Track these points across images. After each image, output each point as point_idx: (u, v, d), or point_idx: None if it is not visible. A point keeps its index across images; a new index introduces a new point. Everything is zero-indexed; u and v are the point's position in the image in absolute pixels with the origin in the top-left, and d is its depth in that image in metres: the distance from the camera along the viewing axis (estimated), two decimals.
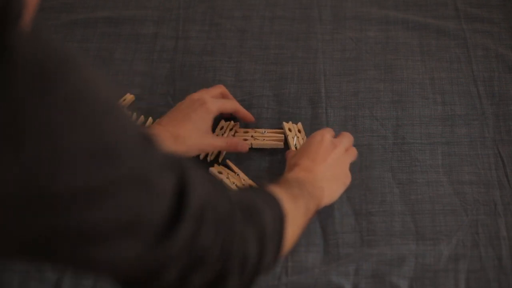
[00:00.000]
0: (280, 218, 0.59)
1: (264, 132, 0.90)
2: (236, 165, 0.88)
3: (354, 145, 0.89)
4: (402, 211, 0.83)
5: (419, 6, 1.06)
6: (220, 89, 0.89)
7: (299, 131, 0.90)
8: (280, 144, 0.89)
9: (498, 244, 0.80)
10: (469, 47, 1.00)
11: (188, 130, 0.80)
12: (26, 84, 0.35)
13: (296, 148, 0.88)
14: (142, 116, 0.92)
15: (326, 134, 0.79)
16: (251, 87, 0.97)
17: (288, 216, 0.60)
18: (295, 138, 0.89)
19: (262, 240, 0.54)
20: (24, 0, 0.36)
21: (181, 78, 0.98)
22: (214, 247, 0.48)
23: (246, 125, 0.92)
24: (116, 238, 0.41)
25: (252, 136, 0.89)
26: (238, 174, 0.85)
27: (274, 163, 0.88)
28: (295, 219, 0.63)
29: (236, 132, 0.90)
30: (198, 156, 0.88)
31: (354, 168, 0.87)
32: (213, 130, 0.90)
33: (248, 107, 0.94)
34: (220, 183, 0.54)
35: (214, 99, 0.86)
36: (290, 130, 0.90)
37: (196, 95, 0.85)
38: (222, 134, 0.90)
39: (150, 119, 0.92)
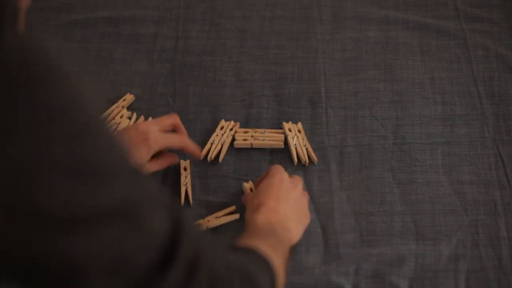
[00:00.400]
0: (272, 281, 0.58)
1: (264, 132, 0.90)
2: (236, 164, 0.88)
3: (354, 145, 0.89)
4: (402, 211, 0.83)
5: (419, 6, 1.06)
6: (172, 119, 0.84)
7: (299, 131, 0.90)
8: (280, 144, 0.89)
9: (498, 244, 0.80)
10: (469, 47, 1.00)
11: None
12: (11, 91, 0.33)
13: (296, 148, 0.88)
14: (142, 116, 0.92)
15: (285, 174, 0.78)
16: (251, 87, 0.97)
17: (278, 274, 0.59)
18: (295, 138, 0.89)
19: None
20: (18, 4, 0.35)
21: (181, 78, 0.98)
22: None
23: (246, 125, 0.92)
24: (99, 273, 0.38)
25: (252, 136, 0.89)
26: None
27: (274, 163, 0.88)
28: (281, 272, 0.62)
29: (236, 132, 0.90)
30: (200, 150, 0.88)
31: (354, 168, 0.87)
32: (213, 130, 0.90)
33: (248, 107, 0.94)
34: (221, 241, 0.52)
35: (160, 134, 0.80)
36: (290, 130, 0.90)
37: (142, 126, 0.80)
38: (222, 134, 0.90)
39: (150, 119, 0.92)
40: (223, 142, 0.89)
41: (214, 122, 0.92)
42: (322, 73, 0.98)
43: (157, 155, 0.82)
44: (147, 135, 0.78)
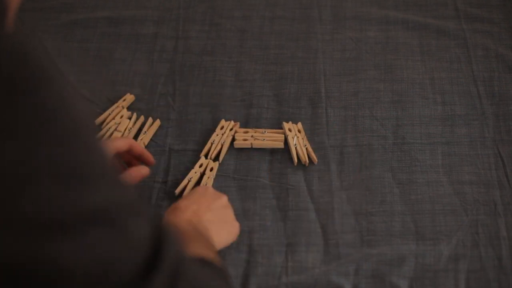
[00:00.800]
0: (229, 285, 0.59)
1: (264, 132, 0.90)
2: (236, 164, 0.88)
3: (354, 145, 0.89)
4: (402, 211, 0.83)
5: (419, 6, 1.06)
6: (124, 142, 0.80)
7: (299, 131, 0.90)
8: (280, 144, 0.89)
9: (498, 244, 0.80)
10: (469, 47, 1.00)
11: None
12: None
13: (296, 148, 0.88)
14: (142, 116, 0.92)
15: (210, 188, 0.80)
16: (251, 87, 0.97)
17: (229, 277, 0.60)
18: (295, 138, 0.89)
19: None
20: (7, 2, 0.34)
21: (181, 78, 0.98)
22: None
23: (246, 125, 0.92)
24: (82, 281, 0.37)
25: (252, 136, 0.89)
26: None
27: (274, 163, 0.88)
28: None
29: (236, 132, 0.90)
30: (200, 150, 0.88)
31: (354, 168, 0.87)
32: (213, 130, 0.91)
33: (248, 107, 0.94)
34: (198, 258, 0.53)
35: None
36: (290, 130, 0.90)
37: None
38: (223, 134, 0.90)
39: (150, 119, 0.92)
40: (223, 142, 0.89)
41: (214, 122, 0.92)
42: (322, 73, 0.98)
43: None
44: None
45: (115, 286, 0.39)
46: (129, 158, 0.83)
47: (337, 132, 0.91)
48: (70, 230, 0.36)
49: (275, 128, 0.91)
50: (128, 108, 0.94)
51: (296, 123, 0.91)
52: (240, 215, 0.83)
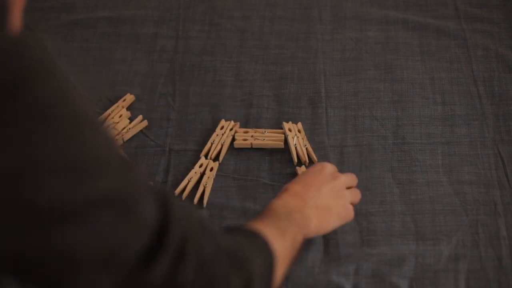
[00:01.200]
0: (270, 264, 0.57)
1: (264, 132, 0.90)
2: (236, 164, 0.88)
3: (354, 145, 0.89)
4: (402, 211, 0.83)
5: (419, 6, 1.06)
6: None
7: (299, 131, 0.90)
8: (280, 144, 0.89)
9: (498, 244, 0.80)
10: (469, 47, 1.00)
11: None
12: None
13: (296, 148, 0.88)
14: (141, 116, 0.92)
15: (328, 166, 0.76)
16: (251, 87, 0.97)
17: (277, 258, 0.58)
18: (295, 138, 0.89)
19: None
20: (8, 3, 0.35)
21: (181, 78, 0.98)
22: (195, 286, 0.46)
23: (246, 125, 0.92)
24: (91, 263, 0.38)
25: (252, 136, 0.89)
26: None
27: (274, 163, 0.88)
28: (284, 257, 0.61)
29: (236, 132, 0.90)
30: (200, 150, 0.88)
31: (354, 168, 0.87)
32: (213, 130, 0.91)
33: (248, 107, 0.94)
34: (207, 223, 0.52)
35: None
36: (290, 130, 0.90)
37: None
38: (223, 134, 0.90)
39: (139, 117, 0.92)
40: (223, 142, 0.89)
41: (214, 122, 0.92)
42: (322, 73, 0.98)
43: None
44: None
45: (123, 267, 0.40)
46: None
47: (337, 132, 0.91)
48: (78, 217, 0.37)
49: (275, 128, 0.91)
50: (128, 108, 0.94)
51: (296, 123, 0.91)
52: (240, 215, 0.83)
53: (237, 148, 0.89)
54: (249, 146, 0.89)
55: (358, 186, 0.85)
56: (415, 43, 1.01)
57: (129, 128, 0.90)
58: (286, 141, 0.89)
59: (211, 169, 0.87)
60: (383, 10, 1.06)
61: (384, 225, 0.82)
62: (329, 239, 0.81)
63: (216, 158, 0.89)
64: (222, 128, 0.91)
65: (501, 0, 1.06)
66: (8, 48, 0.35)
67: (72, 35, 1.04)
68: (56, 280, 0.39)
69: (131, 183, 0.41)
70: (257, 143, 0.89)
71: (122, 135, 0.89)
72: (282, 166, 0.88)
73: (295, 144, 0.88)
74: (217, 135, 0.90)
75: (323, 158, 0.88)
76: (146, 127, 0.92)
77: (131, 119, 0.92)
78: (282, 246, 0.61)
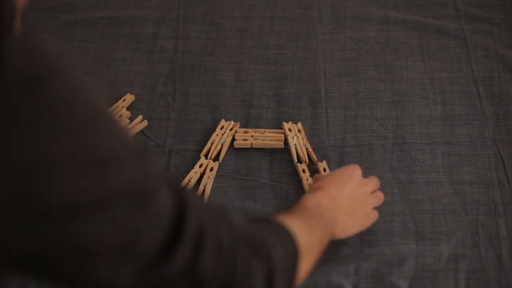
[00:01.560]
0: (293, 254, 0.57)
1: (264, 132, 0.90)
2: (236, 164, 0.88)
3: (354, 145, 0.89)
4: (402, 211, 0.83)
5: (419, 6, 1.06)
6: None
7: (299, 131, 0.90)
8: (280, 144, 0.89)
9: (498, 244, 0.80)
10: (469, 47, 1.00)
11: None
12: (13, 91, 0.34)
13: (296, 148, 0.88)
14: (141, 116, 0.92)
15: (358, 170, 0.76)
16: (251, 87, 0.97)
17: (302, 251, 0.58)
18: (295, 138, 0.89)
19: (271, 277, 0.51)
20: (15, 4, 0.35)
21: (181, 78, 0.98)
22: (214, 276, 0.46)
23: (246, 125, 0.92)
24: (111, 256, 0.39)
25: (252, 136, 0.89)
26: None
27: (274, 163, 0.88)
28: (309, 252, 0.61)
29: (236, 132, 0.90)
30: (200, 150, 0.88)
31: None
32: (213, 130, 0.91)
33: (248, 107, 0.94)
34: (225, 212, 0.52)
35: None
36: (290, 130, 0.90)
37: None
38: (223, 134, 0.90)
39: (140, 117, 0.92)
40: (223, 142, 0.89)
41: (214, 122, 0.92)
42: (322, 73, 0.98)
43: None
44: None
45: (141, 259, 0.41)
46: None
47: (337, 132, 0.91)
48: (96, 212, 0.37)
49: (275, 128, 0.91)
50: (128, 108, 0.94)
51: (296, 123, 0.91)
52: (241, 215, 0.83)
53: (237, 148, 0.89)
54: (249, 146, 0.89)
55: None
56: (415, 43, 1.01)
57: (129, 128, 0.90)
58: (286, 141, 0.89)
59: (211, 169, 0.87)
60: (383, 10, 1.06)
61: (384, 225, 0.82)
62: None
63: (216, 158, 0.89)
64: (222, 128, 0.91)
65: (501, 0, 1.06)
66: (21, 48, 0.35)
67: (72, 35, 1.04)
68: (76, 274, 0.39)
69: (147, 174, 0.41)
70: (257, 143, 0.89)
71: None
72: (282, 166, 0.88)
73: (295, 144, 0.88)
74: (217, 135, 0.90)
75: (323, 158, 0.88)
76: (146, 127, 0.92)
77: (131, 119, 0.92)
78: (308, 240, 0.60)
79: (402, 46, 1.01)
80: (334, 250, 0.80)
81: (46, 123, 0.35)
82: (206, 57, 1.01)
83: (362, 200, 0.75)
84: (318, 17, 1.06)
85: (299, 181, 0.86)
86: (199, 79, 0.98)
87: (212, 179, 0.86)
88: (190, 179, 0.85)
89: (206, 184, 0.85)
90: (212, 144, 0.89)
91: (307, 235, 0.61)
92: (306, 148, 0.88)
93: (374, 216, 0.77)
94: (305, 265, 0.59)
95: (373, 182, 0.78)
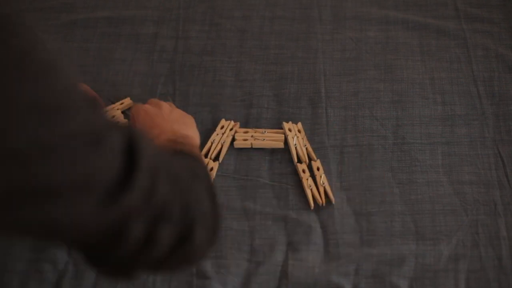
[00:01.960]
0: (205, 169, 0.63)
1: (264, 132, 0.90)
2: (236, 164, 0.88)
3: (354, 145, 0.89)
4: (402, 211, 0.83)
5: (419, 6, 1.06)
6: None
7: (299, 131, 0.90)
8: (280, 144, 0.89)
9: (498, 244, 0.80)
10: (469, 47, 1.00)
11: None
12: None
13: (296, 148, 0.88)
14: None
15: (143, 106, 0.82)
16: (251, 87, 0.97)
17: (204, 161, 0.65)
18: (295, 138, 0.89)
19: (213, 196, 0.57)
20: None
21: (181, 78, 0.98)
22: (173, 201, 0.49)
23: (246, 125, 0.92)
24: (71, 193, 0.41)
25: (252, 136, 0.89)
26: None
27: (274, 163, 0.88)
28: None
29: (236, 132, 0.90)
30: (200, 150, 0.88)
31: (354, 168, 0.87)
32: (214, 130, 0.91)
33: (248, 107, 0.94)
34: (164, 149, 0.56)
35: None
36: (290, 130, 0.90)
37: None
38: (223, 134, 0.90)
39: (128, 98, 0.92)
40: (223, 142, 0.89)
41: (214, 122, 0.92)
42: (322, 73, 0.98)
43: None
44: None
45: (99, 193, 0.43)
46: None
47: (337, 132, 0.91)
48: (55, 154, 0.40)
49: (275, 128, 0.91)
50: (124, 112, 0.93)
51: (296, 123, 0.91)
52: (241, 214, 0.83)
53: (237, 148, 0.89)
54: (249, 146, 0.89)
55: (358, 187, 0.85)
56: (415, 43, 1.01)
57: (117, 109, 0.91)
58: (286, 141, 0.89)
59: (211, 169, 0.87)
60: (383, 10, 1.06)
61: (384, 225, 0.82)
62: (329, 239, 0.81)
63: (216, 158, 0.89)
64: (222, 128, 0.91)
65: (501, 0, 1.06)
66: None
67: (72, 35, 1.04)
68: (38, 217, 0.41)
69: (97, 118, 0.45)
70: (257, 143, 0.89)
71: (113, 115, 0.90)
72: (282, 166, 0.88)
73: (295, 144, 0.88)
74: (217, 135, 0.90)
75: (323, 158, 0.88)
76: None
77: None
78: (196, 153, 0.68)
79: (402, 46, 1.01)
80: (334, 250, 0.80)
81: (4, 72, 0.37)
82: (206, 57, 1.01)
83: (176, 114, 0.81)
84: (318, 17, 1.06)
85: (299, 181, 0.86)
86: (199, 79, 0.98)
87: (212, 179, 0.86)
88: None
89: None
90: (212, 144, 0.89)
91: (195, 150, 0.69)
92: (306, 148, 0.88)
93: (188, 116, 0.83)
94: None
95: (162, 103, 0.83)
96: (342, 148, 0.89)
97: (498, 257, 0.78)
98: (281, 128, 0.91)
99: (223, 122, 0.92)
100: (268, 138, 0.89)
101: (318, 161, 0.87)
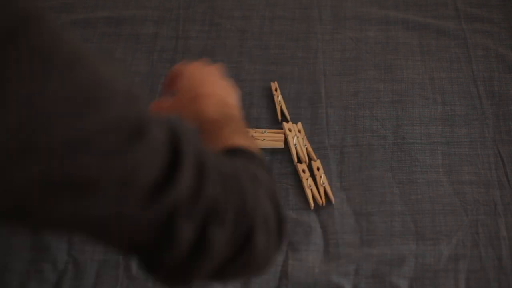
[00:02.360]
0: (265, 169, 0.57)
1: (264, 132, 0.90)
2: None
3: (354, 145, 0.89)
4: (402, 211, 0.83)
5: (419, 6, 1.06)
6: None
7: (299, 131, 0.90)
8: (280, 144, 0.89)
9: (498, 244, 0.80)
10: (469, 47, 1.00)
11: None
12: None
13: (296, 148, 0.88)
14: None
15: (189, 65, 0.77)
16: (251, 87, 0.97)
17: (263, 159, 0.59)
18: (295, 138, 0.89)
19: (274, 199, 0.52)
20: None
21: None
22: (227, 201, 0.46)
23: (246, 125, 0.92)
24: (110, 187, 0.40)
25: (252, 136, 0.89)
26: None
27: (274, 163, 0.88)
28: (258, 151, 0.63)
29: None
30: None
31: (354, 168, 0.87)
32: None
33: (248, 107, 0.94)
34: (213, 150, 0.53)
35: None
36: (290, 130, 0.90)
37: None
38: None
39: None
40: None
41: None
42: (322, 73, 0.98)
43: None
44: None
45: (143, 189, 0.41)
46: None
47: (337, 132, 0.91)
48: (90, 146, 0.38)
49: (275, 128, 0.91)
50: None
51: (296, 123, 0.91)
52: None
53: None
54: None
55: (358, 187, 0.85)
56: (415, 43, 1.01)
57: None
58: (286, 141, 0.89)
59: None
60: (383, 10, 1.06)
61: (384, 225, 0.82)
62: (329, 239, 0.81)
63: None
64: None
65: (501, 0, 1.06)
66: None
67: None
68: (79, 205, 0.40)
69: (138, 109, 0.42)
70: (257, 143, 0.89)
71: None
72: (282, 166, 0.88)
73: (295, 144, 0.88)
74: None
75: (323, 158, 0.88)
76: None
77: None
78: (252, 146, 0.61)
79: (402, 46, 1.01)
80: (334, 250, 0.80)
81: (31, 69, 0.36)
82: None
83: (220, 80, 0.74)
84: (318, 17, 1.06)
85: (299, 181, 0.86)
86: None
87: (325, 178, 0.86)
88: None
89: (323, 184, 0.85)
90: None
91: (247, 141, 0.61)
92: (306, 148, 0.88)
93: (223, 80, 0.75)
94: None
95: (211, 65, 0.77)
96: (342, 148, 0.89)
97: (498, 257, 0.78)
98: (281, 128, 0.91)
99: None
100: (268, 138, 0.89)
101: (318, 161, 0.87)
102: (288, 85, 0.97)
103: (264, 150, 0.89)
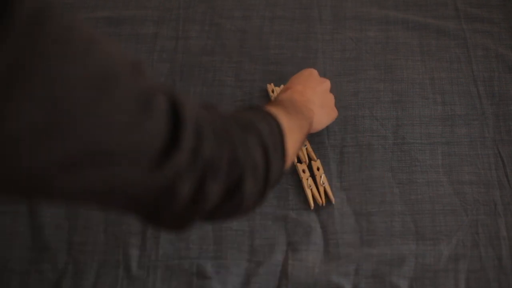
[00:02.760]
0: (278, 130, 0.61)
1: None
2: None
3: (354, 145, 0.89)
4: (402, 211, 0.83)
5: (419, 6, 1.06)
6: None
7: None
8: None
9: (498, 244, 0.80)
10: (469, 47, 1.00)
11: None
12: (22, 25, 0.37)
13: None
14: None
15: (314, 71, 0.85)
16: (251, 87, 0.97)
17: (285, 129, 0.62)
18: None
19: (265, 148, 0.56)
20: None
21: (181, 78, 0.98)
22: (221, 156, 0.51)
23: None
24: (125, 160, 0.43)
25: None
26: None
27: None
28: (292, 133, 0.65)
29: None
30: None
31: (354, 168, 0.87)
32: None
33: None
34: (210, 103, 0.57)
35: None
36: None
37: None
38: None
39: None
40: None
41: None
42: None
43: None
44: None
45: (150, 155, 0.45)
46: None
47: (337, 132, 0.91)
48: (104, 122, 0.41)
49: None
50: None
51: None
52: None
53: None
54: None
55: (358, 187, 0.85)
56: (415, 43, 1.01)
57: None
58: None
59: None
60: (383, 10, 1.06)
61: (384, 225, 0.82)
62: (329, 239, 0.81)
63: None
64: None
65: (501, 0, 1.06)
66: None
67: None
68: (97, 173, 0.43)
69: (144, 83, 0.46)
70: None
71: None
72: None
73: None
74: None
75: (323, 158, 0.88)
76: None
77: None
78: (288, 123, 0.65)
79: (402, 46, 1.01)
80: (334, 250, 0.80)
81: (55, 51, 0.39)
82: (206, 57, 1.01)
83: (325, 94, 0.84)
84: (318, 17, 1.06)
85: (299, 181, 0.86)
86: (199, 79, 0.98)
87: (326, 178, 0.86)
88: None
89: (323, 184, 0.85)
90: None
91: (286, 119, 0.65)
92: (306, 148, 0.88)
93: (336, 111, 0.87)
94: (290, 144, 0.63)
95: (328, 81, 0.85)
96: (342, 148, 0.89)
97: (498, 257, 0.79)
98: None
99: None
100: None
101: (318, 161, 0.87)
102: None
103: None
